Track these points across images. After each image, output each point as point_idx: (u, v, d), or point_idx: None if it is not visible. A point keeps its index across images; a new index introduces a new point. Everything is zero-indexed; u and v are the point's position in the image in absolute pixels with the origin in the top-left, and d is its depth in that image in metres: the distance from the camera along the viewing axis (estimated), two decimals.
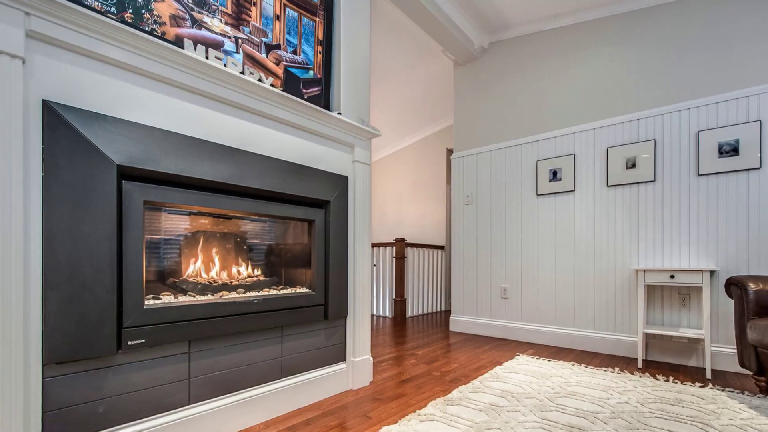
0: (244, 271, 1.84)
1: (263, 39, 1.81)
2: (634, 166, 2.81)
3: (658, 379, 2.20)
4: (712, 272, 2.47)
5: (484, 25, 3.56)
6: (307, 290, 1.91)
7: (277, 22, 1.88)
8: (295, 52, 1.96)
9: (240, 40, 1.72)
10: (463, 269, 3.77)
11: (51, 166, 1.09)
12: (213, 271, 1.71)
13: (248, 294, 1.68)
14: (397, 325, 4.13)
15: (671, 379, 2.20)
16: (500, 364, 2.56)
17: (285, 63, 1.91)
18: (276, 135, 1.75)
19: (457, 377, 2.27)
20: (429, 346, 3.12)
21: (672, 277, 2.46)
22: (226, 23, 1.67)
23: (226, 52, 1.66)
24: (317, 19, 2.07)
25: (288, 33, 1.92)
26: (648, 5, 2.82)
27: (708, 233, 2.53)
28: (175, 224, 1.58)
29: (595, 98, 3.04)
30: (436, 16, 3.13)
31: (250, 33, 1.76)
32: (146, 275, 1.46)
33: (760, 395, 1.94)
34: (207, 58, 1.52)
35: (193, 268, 1.64)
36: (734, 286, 2.01)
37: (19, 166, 1.04)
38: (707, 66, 2.58)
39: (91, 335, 1.15)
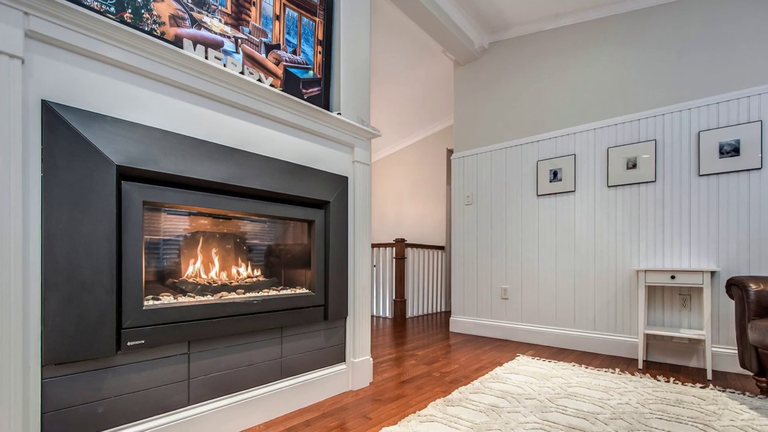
0: (243, 271, 1.83)
1: (263, 39, 1.81)
2: (634, 166, 2.80)
3: (658, 380, 2.20)
4: (712, 273, 2.47)
5: (484, 25, 3.56)
6: (307, 291, 1.91)
7: (277, 22, 1.87)
8: (294, 52, 1.95)
9: (240, 40, 1.72)
10: (464, 270, 3.76)
11: (50, 167, 1.09)
12: (212, 271, 1.71)
13: (248, 295, 1.68)
14: (397, 326, 4.13)
15: (672, 379, 2.19)
16: (500, 364, 2.55)
17: (285, 63, 1.91)
18: (276, 135, 1.75)
19: (457, 378, 2.26)
20: (429, 346, 3.12)
21: (673, 277, 2.46)
22: (226, 23, 1.66)
23: (226, 52, 1.66)
24: (317, 19, 2.07)
25: (288, 33, 1.92)
26: (648, 5, 2.82)
27: (709, 234, 2.52)
28: (175, 225, 1.58)
29: (595, 98, 3.03)
30: (436, 16, 3.13)
31: (249, 33, 1.76)
32: (145, 276, 1.46)
33: (761, 396, 1.93)
34: (206, 58, 1.51)
35: (193, 268, 1.64)
36: (735, 286, 2.01)
37: (18, 167, 1.03)
38: (708, 66, 2.57)
39: (90, 336, 1.15)
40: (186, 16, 1.53)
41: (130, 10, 1.38)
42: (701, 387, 2.08)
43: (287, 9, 1.92)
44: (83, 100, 1.17)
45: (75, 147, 1.13)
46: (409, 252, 4.76)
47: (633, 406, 1.79)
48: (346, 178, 2.08)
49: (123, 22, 1.36)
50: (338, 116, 1.96)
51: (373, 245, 4.97)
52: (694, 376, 2.34)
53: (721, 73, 2.53)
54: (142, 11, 1.41)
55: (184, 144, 1.39)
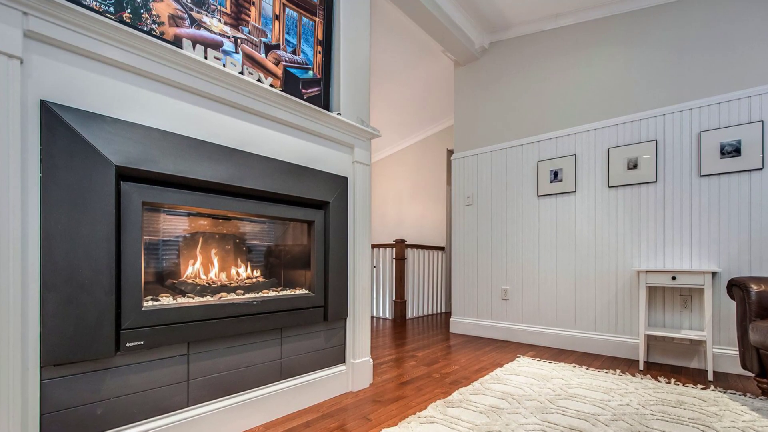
0: (243, 272, 1.83)
1: (262, 39, 1.81)
2: (635, 166, 2.80)
3: (659, 381, 2.19)
4: (713, 273, 2.46)
5: (484, 25, 3.55)
6: (307, 292, 1.90)
7: (277, 22, 1.87)
8: (294, 52, 1.95)
9: (239, 40, 1.71)
10: (464, 270, 3.76)
11: (49, 167, 1.09)
12: (212, 272, 1.70)
13: (247, 295, 1.68)
14: (397, 327, 4.12)
15: (673, 381, 2.19)
16: (501, 365, 2.55)
17: (284, 63, 1.91)
18: (275, 135, 1.74)
19: (457, 379, 2.26)
20: (429, 347, 3.11)
21: (673, 278, 2.45)
22: (225, 23, 1.66)
23: (225, 52, 1.66)
24: (317, 19, 2.06)
25: (287, 33, 1.92)
26: (648, 5, 2.82)
27: (710, 234, 2.52)
28: (174, 225, 1.58)
29: (596, 98, 3.03)
30: (436, 16, 3.13)
31: (249, 33, 1.75)
32: (145, 276, 1.45)
33: (762, 397, 1.93)
34: (206, 58, 1.51)
35: (192, 269, 1.63)
36: (736, 287, 2.00)
37: (17, 167, 1.03)
38: (708, 66, 2.57)
39: (89, 337, 1.14)
40: (185, 15, 1.53)
41: (129, 10, 1.37)
42: (702, 388, 2.08)
43: (287, 9, 1.92)
44: (82, 100, 1.17)
45: (74, 147, 1.13)
46: (409, 252, 4.75)
47: (634, 407, 1.79)
48: (346, 178, 2.07)
49: (122, 21, 1.35)
50: (338, 116, 1.96)
51: (373, 246, 4.96)
52: (695, 377, 2.33)
53: (721, 73, 2.52)
54: (141, 11, 1.41)
55: (183, 144, 1.39)
